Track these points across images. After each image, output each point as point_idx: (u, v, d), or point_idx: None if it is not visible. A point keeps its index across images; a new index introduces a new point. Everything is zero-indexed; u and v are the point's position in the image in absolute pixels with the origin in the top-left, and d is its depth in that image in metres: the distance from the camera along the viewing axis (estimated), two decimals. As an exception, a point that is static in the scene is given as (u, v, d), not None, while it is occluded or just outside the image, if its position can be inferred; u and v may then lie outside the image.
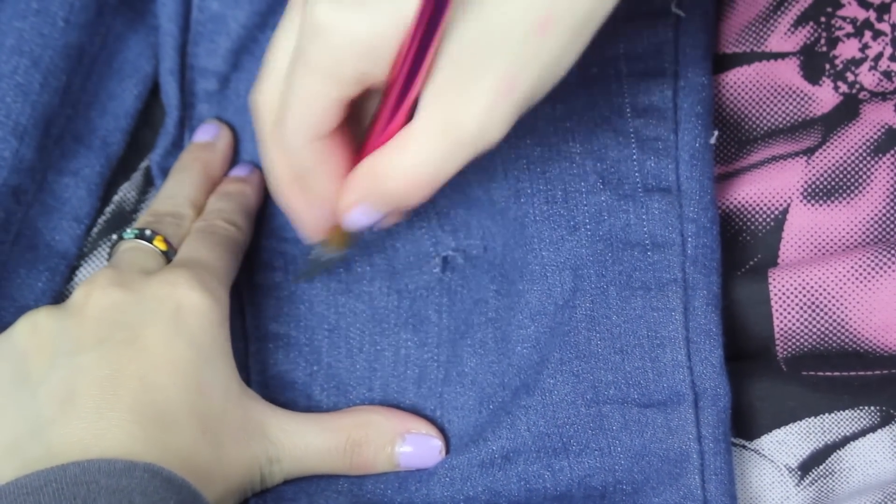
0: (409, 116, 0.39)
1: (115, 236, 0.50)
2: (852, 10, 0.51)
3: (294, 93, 0.39)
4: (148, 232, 0.48)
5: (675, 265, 0.46)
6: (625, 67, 0.49)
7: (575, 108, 0.48)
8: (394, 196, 0.40)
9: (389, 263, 0.51)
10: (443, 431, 0.47)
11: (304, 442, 0.45)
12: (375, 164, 0.40)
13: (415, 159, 0.39)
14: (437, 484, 0.46)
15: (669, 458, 0.44)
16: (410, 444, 0.46)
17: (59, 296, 0.51)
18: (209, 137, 0.52)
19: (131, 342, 0.43)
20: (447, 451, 0.47)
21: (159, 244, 0.47)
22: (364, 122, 0.42)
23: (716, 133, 0.50)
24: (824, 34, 0.51)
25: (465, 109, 0.38)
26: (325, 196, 0.42)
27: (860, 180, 0.49)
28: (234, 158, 0.53)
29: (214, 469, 0.43)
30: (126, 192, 0.53)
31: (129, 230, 0.48)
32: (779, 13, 0.52)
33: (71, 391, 0.41)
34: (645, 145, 0.47)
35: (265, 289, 0.50)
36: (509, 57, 0.37)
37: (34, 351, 0.43)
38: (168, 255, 0.47)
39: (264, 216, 0.52)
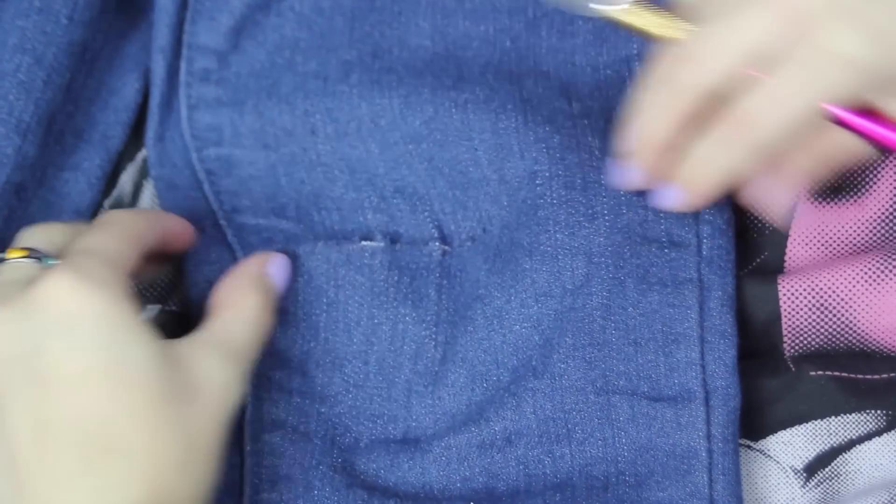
0: None
1: None
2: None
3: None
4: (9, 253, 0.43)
5: (691, 265, 0.46)
6: (638, 68, 0.48)
7: (592, 108, 0.48)
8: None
9: (390, 243, 0.50)
10: (434, 409, 0.47)
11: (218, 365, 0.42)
12: None
13: None
14: (433, 463, 0.46)
15: (676, 453, 0.45)
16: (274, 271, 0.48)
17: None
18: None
19: (34, 380, 0.39)
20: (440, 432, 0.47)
21: (19, 252, 0.42)
22: None
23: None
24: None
25: None
26: None
27: (868, 177, 0.49)
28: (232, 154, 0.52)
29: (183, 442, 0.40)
30: (125, 183, 0.52)
31: None
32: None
33: (12, 465, 0.38)
34: None
35: None
36: None
37: None
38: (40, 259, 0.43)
39: (266, 196, 0.51)
